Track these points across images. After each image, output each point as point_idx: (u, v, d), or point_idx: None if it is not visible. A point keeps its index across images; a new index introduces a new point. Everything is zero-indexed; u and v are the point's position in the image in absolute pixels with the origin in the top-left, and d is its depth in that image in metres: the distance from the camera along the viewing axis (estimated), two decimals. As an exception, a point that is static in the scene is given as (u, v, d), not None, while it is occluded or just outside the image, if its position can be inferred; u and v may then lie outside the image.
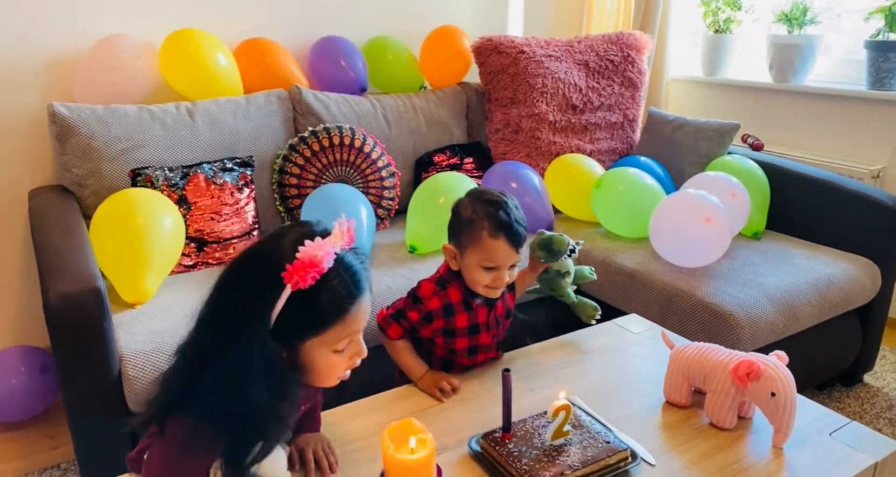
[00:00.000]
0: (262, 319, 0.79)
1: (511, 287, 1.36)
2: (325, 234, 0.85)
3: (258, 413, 0.80)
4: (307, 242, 0.80)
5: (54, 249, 1.54)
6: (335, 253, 0.82)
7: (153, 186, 1.87)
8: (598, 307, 1.45)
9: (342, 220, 0.87)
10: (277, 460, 0.93)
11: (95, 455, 1.47)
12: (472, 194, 1.26)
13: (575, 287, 1.46)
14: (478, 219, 1.20)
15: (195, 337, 0.84)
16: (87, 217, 1.80)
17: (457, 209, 1.25)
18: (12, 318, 2.19)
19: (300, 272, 0.77)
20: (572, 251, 1.35)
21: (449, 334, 1.27)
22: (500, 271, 1.21)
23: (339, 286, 0.82)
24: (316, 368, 0.86)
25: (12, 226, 2.11)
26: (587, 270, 1.47)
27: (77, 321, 1.36)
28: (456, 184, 2.06)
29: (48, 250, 1.55)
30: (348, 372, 0.92)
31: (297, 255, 0.78)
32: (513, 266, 1.23)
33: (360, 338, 0.89)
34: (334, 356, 0.86)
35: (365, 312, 0.87)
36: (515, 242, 1.19)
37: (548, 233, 1.37)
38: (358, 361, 0.90)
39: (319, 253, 0.78)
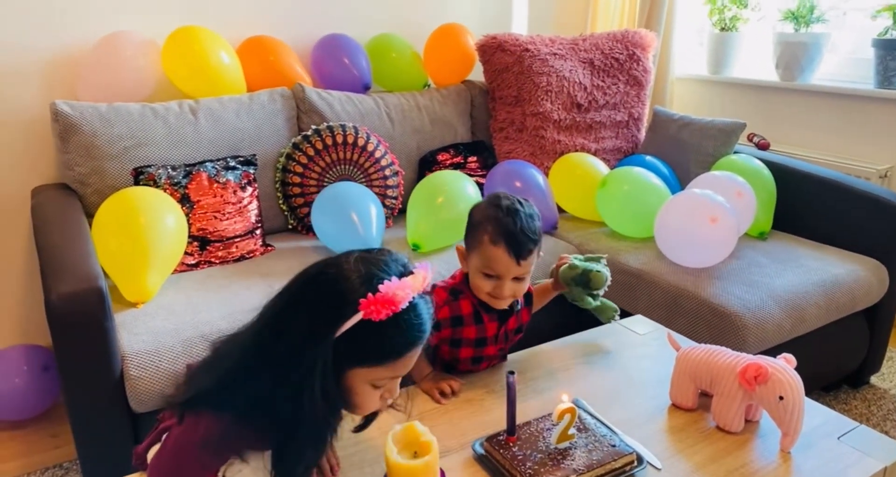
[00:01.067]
0: (328, 338, 0.81)
1: (528, 301, 1.32)
2: (405, 271, 0.87)
3: (312, 426, 0.83)
4: (394, 278, 0.83)
5: (56, 248, 1.54)
6: (413, 296, 0.84)
7: (156, 185, 1.86)
8: (618, 308, 1.39)
9: (425, 264, 0.90)
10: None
11: (98, 455, 1.47)
12: (490, 197, 1.22)
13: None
14: (484, 222, 1.16)
15: (253, 342, 0.85)
16: (90, 215, 1.79)
17: (473, 210, 1.22)
18: (15, 316, 2.18)
19: (377, 305, 0.80)
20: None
21: (455, 344, 1.25)
22: (501, 281, 1.16)
23: (406, 330, 0.84)
24: (353, 396, 0.87)
25: (15, 224, 2.10)
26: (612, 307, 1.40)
27: (79, 321, 1.35)
28: (454, 182, 2.05)
29: (50, 249, 1.54)
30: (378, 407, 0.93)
31: (381, 288, 0.81)
32: (518, 279, 1.17)
33: (398, 381, 0.90)
34: (371, 390, 0.87)
35: (416, 358, 0.89)
36: (517, 252, 1.13)
37: (582, 265, 1.30)
38: (389, 402, 0.92)
39: (400, 293, 0.81)
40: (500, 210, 1.15)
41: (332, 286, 0.83)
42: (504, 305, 1.21)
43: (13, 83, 2.01)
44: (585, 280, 1.30)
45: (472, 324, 1.23)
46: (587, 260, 1.34)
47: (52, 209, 1.80)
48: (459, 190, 2.03)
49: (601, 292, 1.34)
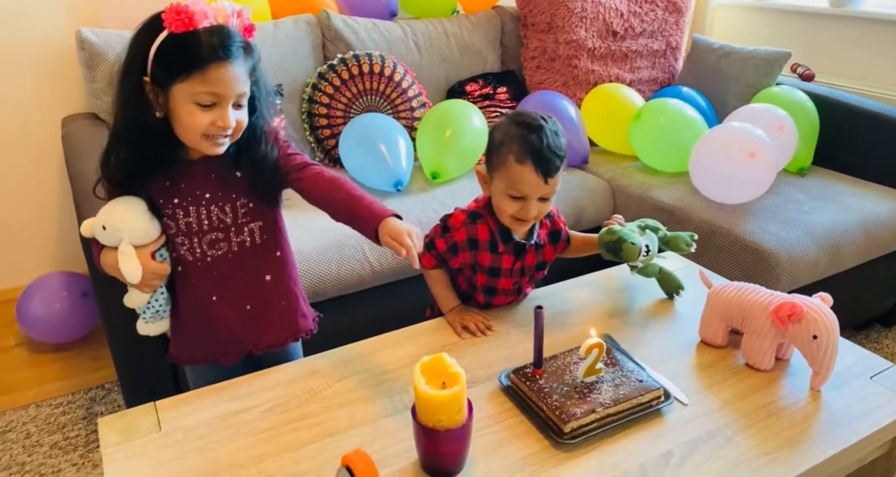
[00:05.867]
0: (140, 56, 0.96)
1: (555, 238, 1.27)
2: None
3: (126, 125, 1.00)
4: None
5: (87, 178, 1.54)
6: (220, 22, 0.95)
7: (183, 115, 1.85)
8: (683, 286, 1.29)
9: (248, 7, 0.99)
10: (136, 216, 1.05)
11: (136, 376, 1.52)
12: (511, 115, 1.17)
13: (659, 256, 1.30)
14: (507, 141, 1.11)
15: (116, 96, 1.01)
16: (119, 146, 1.79)
17: (493, 131, 1.17)
18: (53, 244, 2.24)
19: (175, 14, 0.92)
20: (648, 250, 1.22)
21: (473, 269, 1.24)
22: (527, 202, 1.12)
23: (206, 40, 0.93)
24: (178, 117, 0.97)
25: (49, 153, 2.12)
26: (685, 238, 1.28)
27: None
28: (460, 114, 2.03)
29: (82, 179, 1.55)
30: (220, 149, 1.01)
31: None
32: (544, 199, 1.14)
33: (226, 109, 0.97)
34: (197, 110, 0.96)
35: (230, 79, 0.96)
36: (544, 170, 1.09)
37: (618, 230, 1.22)
38: (224, 134, 0.99)
39: (195, 7, 0.92)
40: (524, 127, 1.11)
41: (142, 27, 0.97)
42: (526, 227, 1.19)
43: (37, 11, 1.98)
44: (616, 248, 1.21)
45: (488, 251, 1.21)
46: (645, 228, 1.26)
47: (83, 139, 1.81)
48: (466, 122, 2.02)
49: (639, 265, 1.25)
